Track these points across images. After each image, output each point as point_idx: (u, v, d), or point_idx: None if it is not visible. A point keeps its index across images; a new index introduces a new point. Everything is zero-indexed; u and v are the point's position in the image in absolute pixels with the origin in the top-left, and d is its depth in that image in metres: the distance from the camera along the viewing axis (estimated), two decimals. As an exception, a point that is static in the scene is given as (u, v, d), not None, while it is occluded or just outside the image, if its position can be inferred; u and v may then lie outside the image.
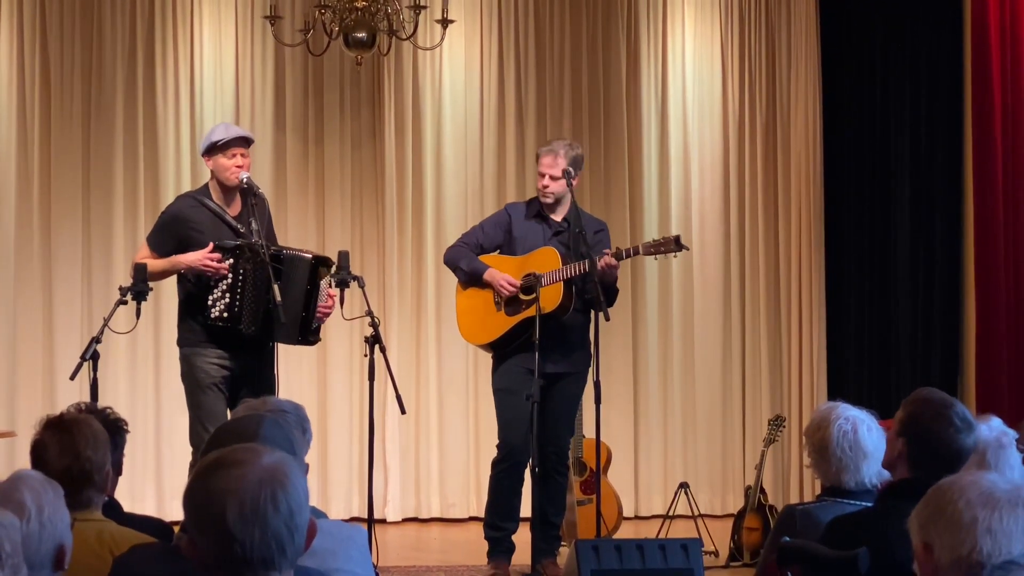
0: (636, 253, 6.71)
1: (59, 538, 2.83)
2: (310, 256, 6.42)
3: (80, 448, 3.54)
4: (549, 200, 6.77)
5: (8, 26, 8.64)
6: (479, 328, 6.86)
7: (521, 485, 6.77)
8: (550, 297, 6.58)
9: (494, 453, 6.96)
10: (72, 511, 3.03)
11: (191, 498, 2.32)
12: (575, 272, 6.58)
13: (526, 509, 6.89)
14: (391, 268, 8.94)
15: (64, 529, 2.86)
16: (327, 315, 6.49)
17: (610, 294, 6.67)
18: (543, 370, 6.49)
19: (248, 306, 6.25)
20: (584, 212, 6.95)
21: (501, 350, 6.82)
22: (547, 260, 6.66)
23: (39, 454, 3.58)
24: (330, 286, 6.41)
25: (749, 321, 9.27)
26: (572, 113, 9.17)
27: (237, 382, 6.32)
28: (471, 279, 6.83)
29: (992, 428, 3.98)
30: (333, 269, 6.41)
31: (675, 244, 6.61)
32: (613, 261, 6.54)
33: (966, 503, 2.46)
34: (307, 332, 6.40)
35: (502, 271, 6.76)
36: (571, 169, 6.72)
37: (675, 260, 9.02)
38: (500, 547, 6.86)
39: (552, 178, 6.72)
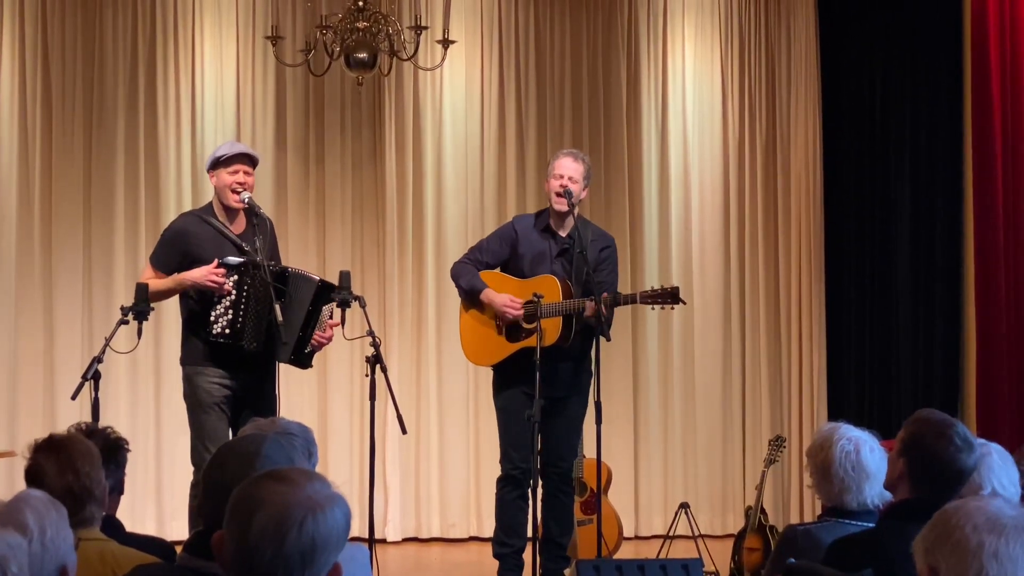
0: (633, 301, 6.68)
1: (62, 559, 2.83)
2: (317, 279, 6.41)
3: (79, 464, 3.53)
4: (563, 207, 6.73)
5: (10, 46, 8.66)
6: (481, 350, 6.86)
7: (526, 502, 6.75)
8: (549, 330, 6.55)
9: (494, 473, 6.96)
10: (75, 529, 3.02)
11: (234, 496, 2.37)
12: (572, 309, 6.57)
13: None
14: (391, 288, 8.95)
15: (68, 549, 2.85)
16: (324, 343, 6.48)
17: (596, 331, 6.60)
18: (543, 394, 6.47)
19: (251, 323, 6.25)
20: (592, 226, 6.90)
21: (503, 372, 6.83)
22: (548, 290, 6.61)
23: (37, 478, 3.55)
24: (331, 316, 6.41)
25: (749, 341, 9.28)
26: (572, 133, 9.19)
27: (239, 402, 6.32)
28: (469, 297, 6.83)
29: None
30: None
31: (672, 298, 6.58)
32: (603, 310, 6.50)
33: (973, 528, 2.47)
34: (300, 353, 6.38)
35: (504, 292, 6.74)
36: (571, 190, 6.69)
37: (675, 278, 9.08)
38: (507, 564, 6.86)
39: (571, 180, 6.68)
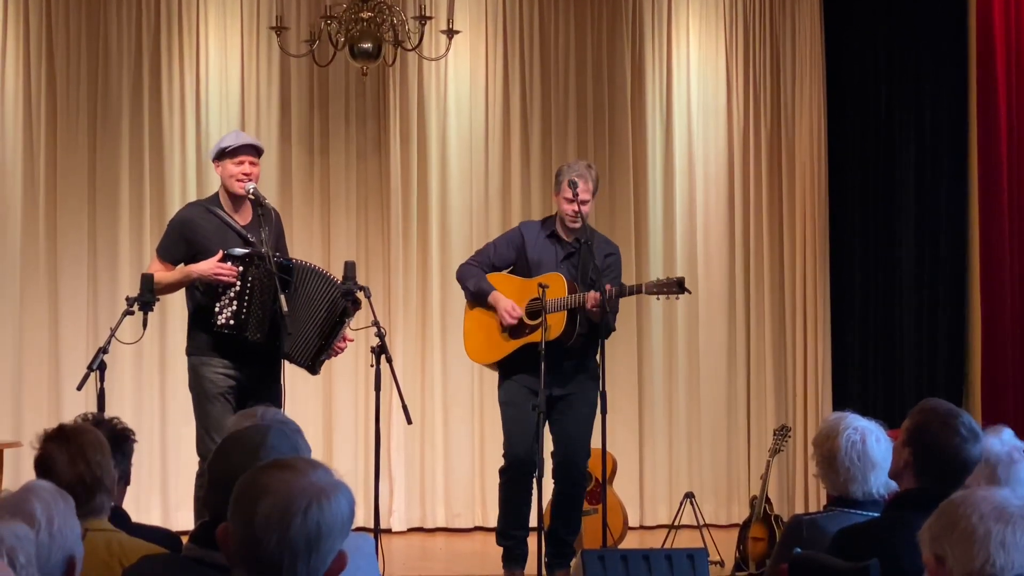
0: (639, 291, 6.73)
1: (69, 549, 2.84)
2: (348, 296, 6.36)
3: (90, 454, 3.54)
4: (577, 225, 6.75)
5: (14, 38, 8.66)
6: (484, 348, 6.90)
7: (529, 493, 6.79)
8: (553, 325, 6.59)
9: (499, 463, 6.98)
10: (83, 520, 3.03)
11: (238, 486, 2.37)
12: (577, 303, 6.59)
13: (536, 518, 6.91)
14: (396, 279, 8.95)
15: (75, 540, 2.86)
16: (340, 352, 6.53)
17: (602, 330, 6.62)
18: (548, 393, 6.49)
19: (255, 314, 6.25)
20: (598, 234, 6.96)
21: (506, 368, 6.85)
22: (553, 286, 6.64)
23: (46, 467, 3.56)
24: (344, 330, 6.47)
25: (754, 331, 9.27)
26: (577, 124, 9.18)
27: (244, 392, 6.33)
28: (476, 299, 6.88)
29: (1004, 442, 3.96)
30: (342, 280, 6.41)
31: (677, 287, 6.62)
32: (596, 307, 6.50)
33: (980, 517, 2.48)
34: (316, 359, 6.43)
35: (508, 291, 6.79)
36: (584, 212, 6.73)
37: (680, 269, 9.08)
38: (512, 555, 6.90)
39: (583, 202, 6.70)
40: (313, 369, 6.52)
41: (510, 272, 6.93)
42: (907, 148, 9.07)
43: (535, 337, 6.58)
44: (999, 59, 8.52)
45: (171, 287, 6.43)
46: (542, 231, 6.88)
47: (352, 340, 6.54)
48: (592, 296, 6.52)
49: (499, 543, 6.96)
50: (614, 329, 6.62)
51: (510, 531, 6.89)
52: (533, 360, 6.48)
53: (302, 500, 2.31)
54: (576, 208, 6.69)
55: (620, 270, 6.91)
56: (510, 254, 6.90)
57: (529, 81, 9.15)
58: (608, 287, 6.53)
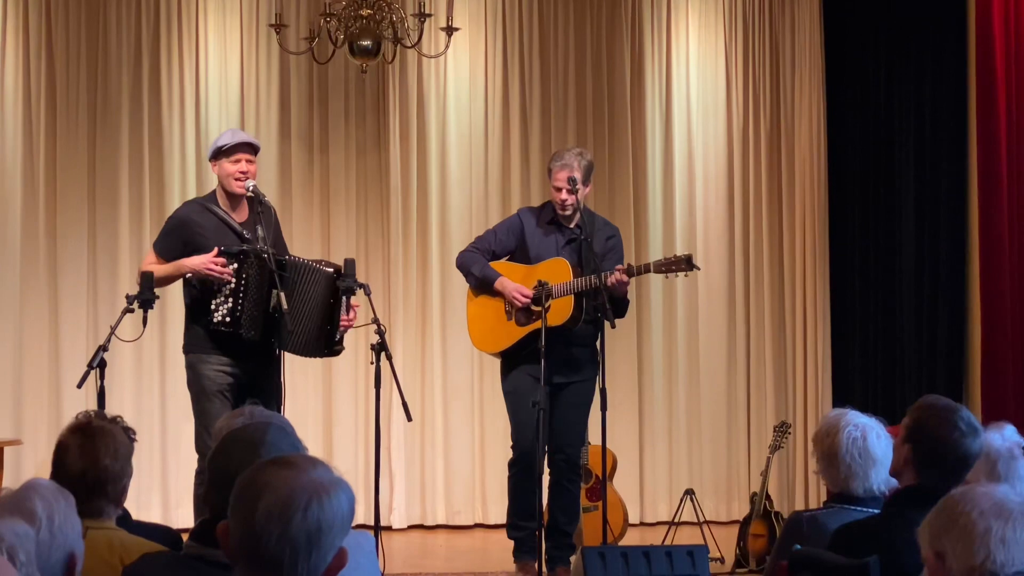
0: (647, 271, 6.73)
1: (69, 547, 2.84)
2: (331, 271, 6.38)
3: (99, 456, 3.55)
4: (568, 212, 6.79)
5: (14, 34, 8.67)
6: (490, 336, 6.89)
7: (538, 485, 6.79)
8: (560, 310, 6.61)
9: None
10: (83, 519, 3.03)
11: (239, 482, 2.37)
12: (585, 286, 6.60)
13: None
14: (396, 276, 8.95)
15: (75, 538, 2.86)
16: (351, 326, 6.50)
17: (621, 306, 6.70)
18: (550, 380, 6.50)
19: (249, 311, 6.25)
20: (597, 217, 7.01)
21: (511, 358, 6.85)
22: (558, 271, 6.66)
23: (60, 456, 3.59)
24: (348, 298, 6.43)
25: (754, 328, 9.27)
26: (576, 121, 9.18)
27: (243, 389, 6.32)
28: (482, 286, 6.86)
29: (1005, 438, 3.97)
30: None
31: (686, 263, 6.63)
32: (624, 277, 6.55)
33: (979, 513, 2.49)
34: (331, 344, 6.42)
35: (511, 279, 6.79)
36: (575, 176, 6.74)
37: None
38: (524, 547, 6.90)
39: (572, 190, 6.74)
40: (333, 352, 6.52)
41: (509, 260, 6.93)
42: (907, 148, 9.06)
43: (541, 324, 6.58)
44: (999, 59, 8.51)
45: (164, 280, 6.42)
46: (541, 218, 6.90)
47: (359, 305, 6.46)
48: (618, 274, 6.53)
49: (510, 536, 6.94)
50: (629, 302, 6.71)
51: (521, 522, 6.88)
52: (536, 349, 6.49)
53: (302, 497, 2.31)
54: (564, 197, 6.72)
55: (622, 252, 6.94)
56: (510, 241, 6.90)
57: (528, 78, 9.15)
58: (618, 267, 6.57)
